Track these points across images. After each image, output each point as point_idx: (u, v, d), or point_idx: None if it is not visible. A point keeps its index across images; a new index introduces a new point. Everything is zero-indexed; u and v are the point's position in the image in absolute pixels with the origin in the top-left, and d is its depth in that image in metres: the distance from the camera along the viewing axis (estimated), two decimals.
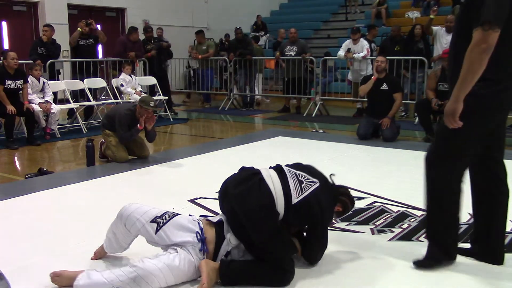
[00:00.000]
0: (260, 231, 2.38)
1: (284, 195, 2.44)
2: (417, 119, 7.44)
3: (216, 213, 3.33)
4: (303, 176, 2.54)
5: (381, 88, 6.37)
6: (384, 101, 6.35)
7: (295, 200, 2.44)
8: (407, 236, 3.11)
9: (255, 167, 2.65)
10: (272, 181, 2.47)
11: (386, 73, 6.54)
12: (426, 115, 6.34)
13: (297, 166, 2.68)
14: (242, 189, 2.44)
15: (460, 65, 2.36)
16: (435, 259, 2.63)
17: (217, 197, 2.66)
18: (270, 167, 2.63)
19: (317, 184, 2.52)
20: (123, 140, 5.15)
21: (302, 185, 2.49)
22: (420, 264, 2.64)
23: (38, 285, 2.42)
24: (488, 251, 2.68)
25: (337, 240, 3.00)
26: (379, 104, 6.40)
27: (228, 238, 2.46)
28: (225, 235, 2.47)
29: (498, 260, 2.66)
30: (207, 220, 2.58)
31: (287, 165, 2.67)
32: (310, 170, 2.63)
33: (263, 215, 2.39)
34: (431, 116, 6.37)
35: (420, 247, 2.92)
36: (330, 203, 2.59)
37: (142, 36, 9.47)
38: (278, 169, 2.59)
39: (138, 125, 5.08)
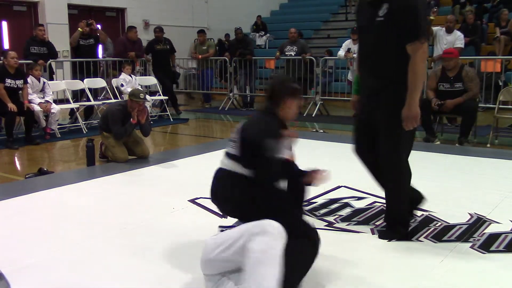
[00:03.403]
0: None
1: None
2: None
3: (216, 213, 3.34)
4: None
5: None
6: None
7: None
8: (407, 236, 3.11)
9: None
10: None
11: None
12: (426, 115, 6.33)
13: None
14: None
15: (379, 73, 2.75)
16: (400, 233, 3.01)
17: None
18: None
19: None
20: (118, 136, 5.13)
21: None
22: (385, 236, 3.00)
23: (38, 285, 2.42)
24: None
25: (337, 240, 3.00)
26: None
27: None
28: None
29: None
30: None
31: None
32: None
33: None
34: (431, 117, 6.37)
35: (420, 247, 2.93)
36: (266, 121, 2.55)
37: (142, 36, 9.47)
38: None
39: (131, 120, 5.09)
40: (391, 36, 2.70)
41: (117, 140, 5.16)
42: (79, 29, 8.16)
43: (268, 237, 2.04)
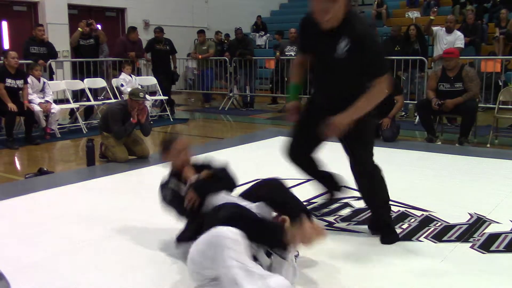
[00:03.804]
0: None
1: None
2: (417, 119, 7.45)
3: None
4: None
5: None
6: (384, 102, 6.32)
7: None
8: (407, 236, 3.11)
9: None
10: None
11: None
12: (427, 115, 6.34)
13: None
14: None
15: (346, 98, 2.72)
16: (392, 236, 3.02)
17: None
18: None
19: None
20: (118, 135, 5.12)
21: None
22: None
23: (38, 285, 2.42)
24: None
25: (337, 240, 3.00)
26: (379, 105, 6.36)
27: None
28: None
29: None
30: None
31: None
32: None
33: None
34: (432, 116, 6.37)
35: (420, 247, 2.93)
36: None
37: (142, 36, 9.46)
38: None
39: (131, 119, 5.09)
40: (353, 71, 2.71)
41: (117, 140, 5.16)
42: (79, 29, 8.16)
43: (231, 251, 2.10)
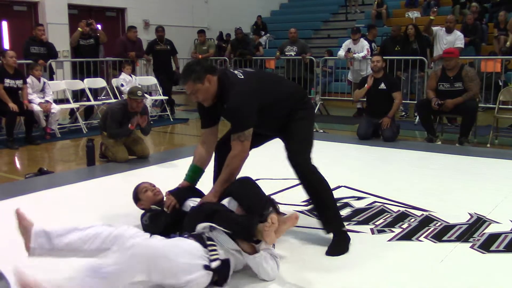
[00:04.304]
0: None
1: None
2: (417, 119, 7.45)
3: None
4: None
5: (380, 87, 6.36)
6: (383, 101, 6.34)
7: None
8: (407, 236, 3.11)
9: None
10: None
11: (384, 72, 6.54)
12: (427, 115, 6.34)
13: None
14: None
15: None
16: (344, 243, 2.88)
17: None
18: None
19: None
20: (113, 136, 5.13)
21: None
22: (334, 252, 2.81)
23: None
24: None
25: None
26: (378, 104, 6.38)
27: None
28: None
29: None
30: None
31: None
32: None
33: None
34: (432, 116, 6.37)
35: (420, 247, 2.93)
36: None
37: (142, 36, 9.46)
38: None
39: (130, 125, 5.09)
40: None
41: (116, 140, 5.16)
42: (79, 29, 8.16)
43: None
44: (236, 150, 2.76)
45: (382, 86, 6.36)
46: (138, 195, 3.16)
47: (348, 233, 3.16)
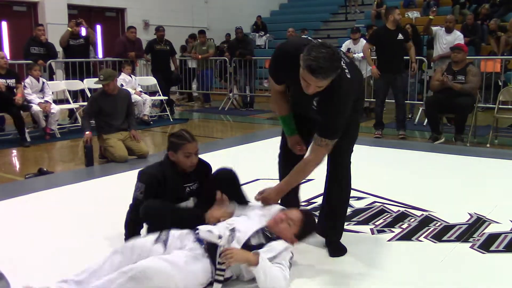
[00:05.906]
0: None
1: None
2: (417, 119, 7.46)
3: None
4: None
5: (398, 38, 6.45)
6: (401, 51, 6.54)
7: None
8: (407, 236, 3.11)
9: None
10: None
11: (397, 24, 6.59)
12: (434, 113, 6.32)
13: None
14: None
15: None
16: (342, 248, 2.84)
17: None
18: None
19: None
20: (85, 116, 5.40)
21: None
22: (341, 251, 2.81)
23: (38, 285, 2.41)
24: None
25: None
26: (396, 55, 6.49)
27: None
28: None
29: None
30: None
31: None
32: None
33: None
34: (438, 115, 6.38)
35: (420, 247, 2.93)
36: None
37: (142, 36, 9.45)
38: None
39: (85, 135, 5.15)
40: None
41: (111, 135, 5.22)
42: (68, 28, 8.12)
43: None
44: (315, 155, 2.58)
45: (400, 36, 6.47)
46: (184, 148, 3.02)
47: (348, 233, 3.18)
